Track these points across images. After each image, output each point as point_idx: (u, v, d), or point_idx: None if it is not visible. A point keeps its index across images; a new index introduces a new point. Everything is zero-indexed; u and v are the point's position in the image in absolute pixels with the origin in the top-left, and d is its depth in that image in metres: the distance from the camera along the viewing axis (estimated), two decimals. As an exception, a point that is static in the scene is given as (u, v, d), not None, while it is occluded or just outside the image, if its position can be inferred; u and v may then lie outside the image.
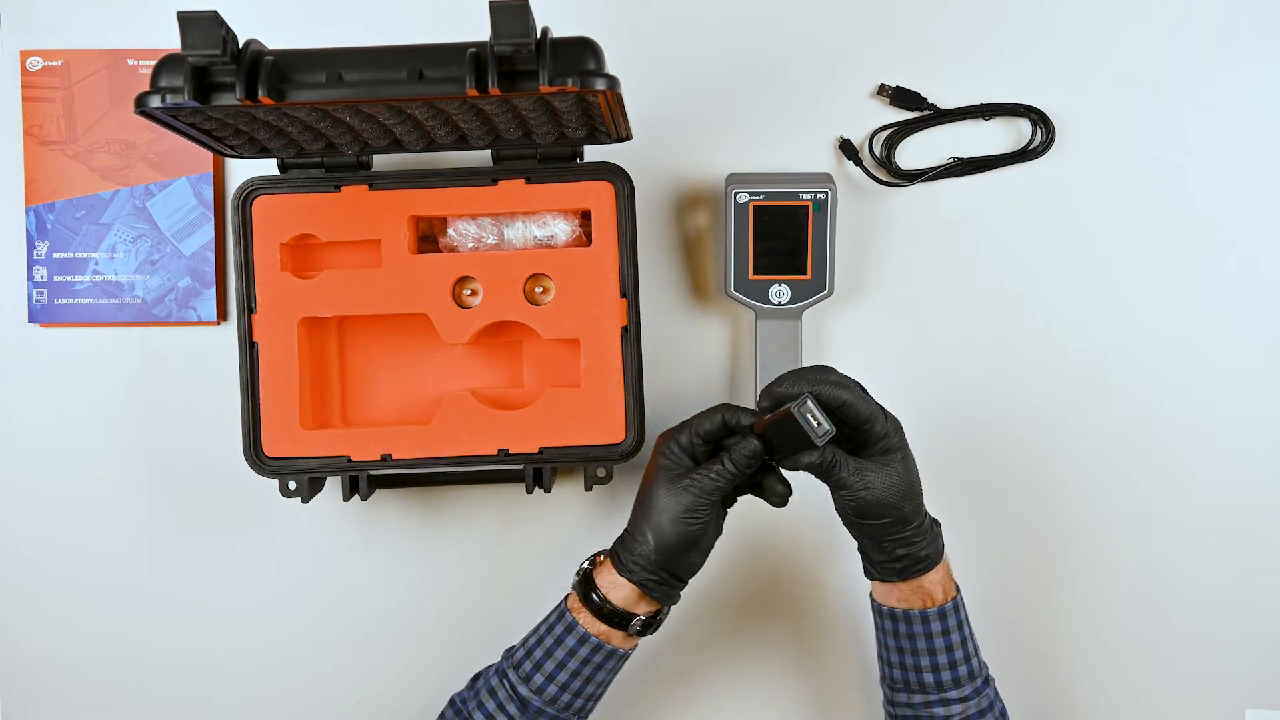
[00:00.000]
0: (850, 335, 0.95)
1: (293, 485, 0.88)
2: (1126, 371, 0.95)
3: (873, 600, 0.83)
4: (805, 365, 0.81)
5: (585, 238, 0.89)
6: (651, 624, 0.79)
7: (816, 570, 0.95)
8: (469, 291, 0.89)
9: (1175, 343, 0.94)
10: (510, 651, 0.82)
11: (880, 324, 0.95)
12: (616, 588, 0.77)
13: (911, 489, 0.76)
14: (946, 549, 0.80)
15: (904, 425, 0.78)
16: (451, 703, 0.83)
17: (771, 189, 0.89)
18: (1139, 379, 0.95)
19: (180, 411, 0.95)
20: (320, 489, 0.91)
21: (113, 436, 0.95)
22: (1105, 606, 0.95)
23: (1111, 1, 0.94)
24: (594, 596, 0.78)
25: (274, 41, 0.71)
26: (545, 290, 0.89)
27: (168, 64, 0.69)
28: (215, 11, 0.65)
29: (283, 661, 0.96)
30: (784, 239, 0.89)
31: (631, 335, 0.88)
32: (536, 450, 0.88)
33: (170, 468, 0.95)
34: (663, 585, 0.78)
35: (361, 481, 0.89)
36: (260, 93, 0.67)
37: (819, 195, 0.88)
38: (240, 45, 0.68)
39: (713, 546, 0.79)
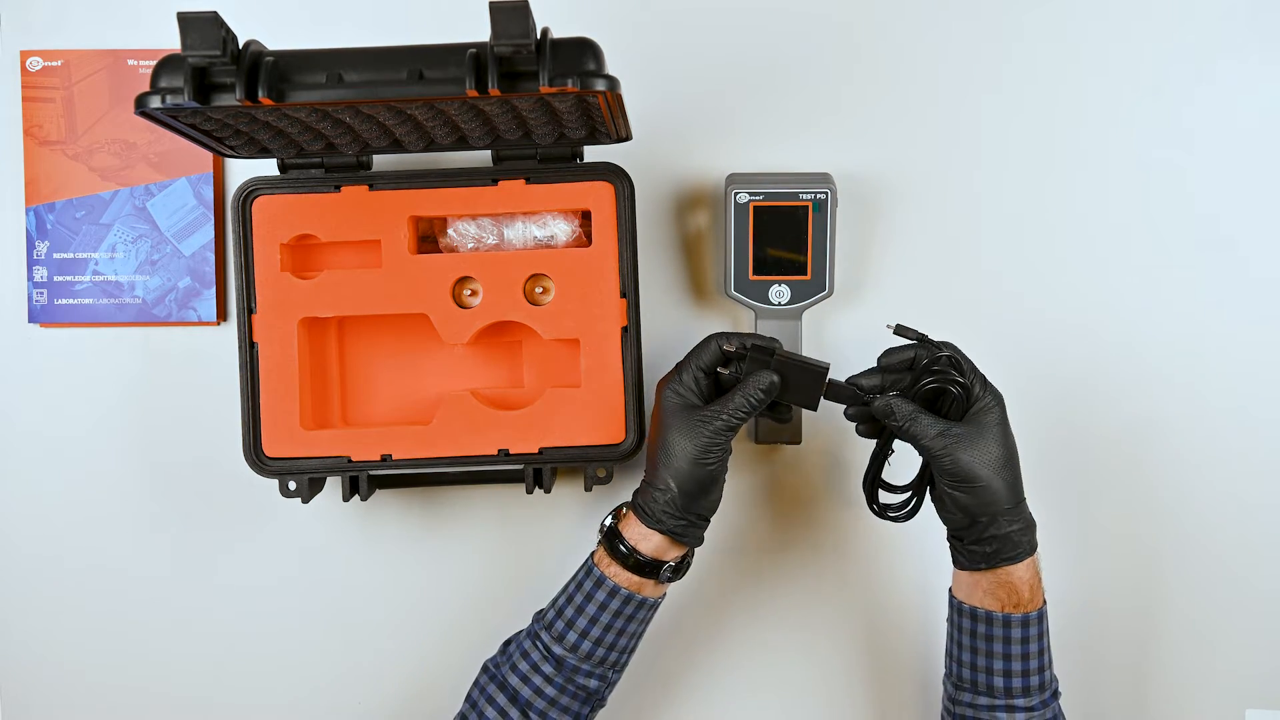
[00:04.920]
0: (850, 335, 0.95)
1: (293, 485, 0.88)
2: (1127, 371, 0.95)
3: (952, 598, 0.82)
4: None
5: (585, 238, 0.89)
6: (681, 568, 0.80)
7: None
8: (469, 291, 0.89)
9: (1175, 343, 0.95)
10: (540, 614, 0.82)
11: (880, 324, 0.95)
12: (645, 539, 0.78)
13: (1010, 460, 0.76)
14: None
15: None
16: (485, 668, 0.82)
17: (771, 189, 0.89)
18: (1139, 379, 0.95)
19: (180, 411, 0.95)
20: (320, 489, 0.91)
21: (113, 437, 0.95)
22: (1105, 606, 0.95)
23: (1113, 1, 0.94)
24: (622, 549, 0.78)
25: (274, 42, 0.71)
26: (545, 290, 0.89)
27: (168, 64, 0.69)
28: (215, 12, 0.65)
29: (283, 661, 0.96)
30: (784, 239, 0.89)
31: (631, 335, 0.88)
32: (536, 450, 0.88)
33: (170, 468, 0.95)
34: (690, 528, 0.78)
35: (361, 481, 0.89)
36: (260, 93, 0.67)
37: (819, 195, 0.88)
38: (240, 46, 0.68)
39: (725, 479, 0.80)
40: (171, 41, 0.67)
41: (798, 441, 0.92)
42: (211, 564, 0.96)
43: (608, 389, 0.88)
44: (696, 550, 0.81)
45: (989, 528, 0.76)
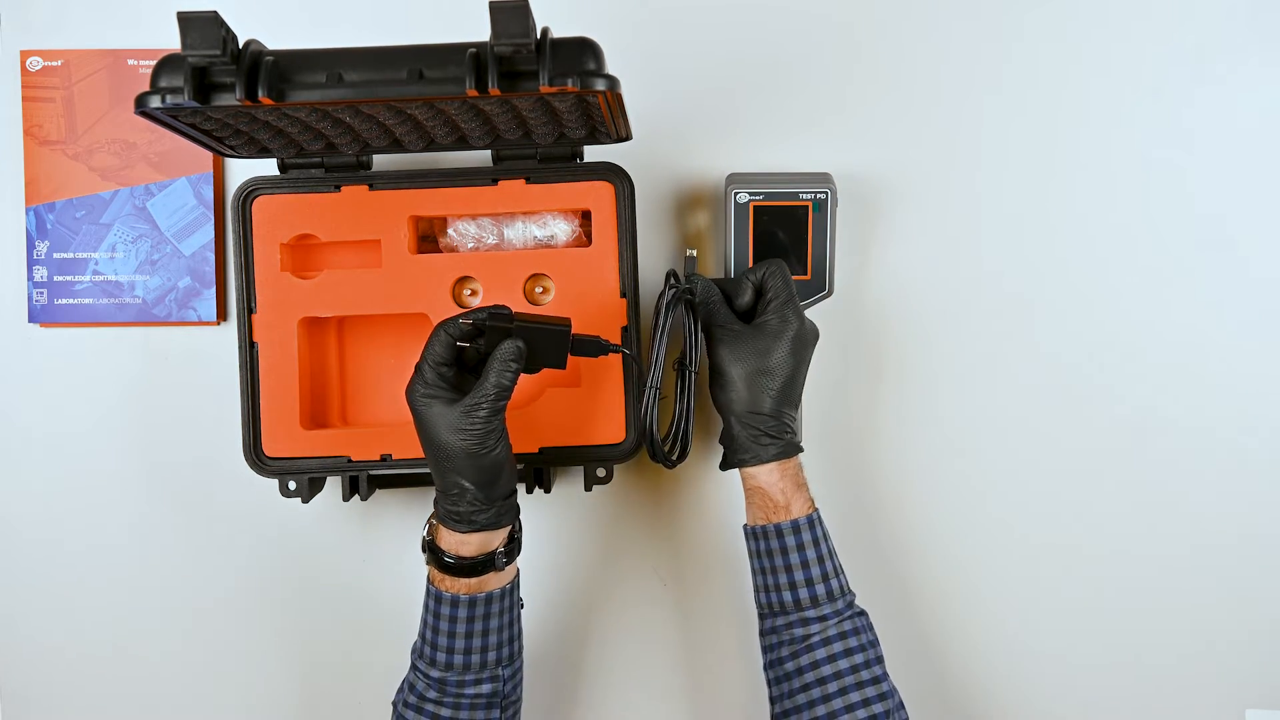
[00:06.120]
0: (850, 335, 0.95)
1: (293, 485, 0.88)
2: (1127, 371, 0.95)
3: (745, 529, 0.83)
4: None
5: (585, 238, 0.89)
6: (514, 547, 0.79)
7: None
8: (469, 291, 0.89)
9: (1175, 343, 0.94)
10: (413, 646, 0.82)
11: (880, 324, 0.95)
12: (464, 543, 0.77)
13: (765, 368, 0.81)
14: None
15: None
16: (393, 706, 0.82)
17: (771, 189, 0.89)
18: (1139, 379, 0.95)
19: (180, 411, 0.95)
20: (320, 489, 0.91)
21: (112, 436, 0.95)
22: (1105, 606, 0.95)
23: (1113, 2, 0.94)
24: (447, 560, 0.77)
25: (274, 42, 0.71)
26: (545, 290, 0.89)
27: (168, 64, 0.69)
28: (215, 12, 0.65)
29: (283, 661, 0.96)
30: (784, 239, 0.89)
31: (631, 335, 0.88)
32: (536, 450, 0.88)
33: (170, 468, 0.95)
34: (502, 513, 0.77)
35: (361, 481, 0.89)
36: (260, 93, 0.67)
37: (819, 195, 0.88)
38: (240, 45, 0.68)
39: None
40: (171, 41, 0.67)
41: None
42: (211, 564, 0.96)
43: (607, 389, 0.88)
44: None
45: (734, 426, 0.81)
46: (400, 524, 0.96)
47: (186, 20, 0.65)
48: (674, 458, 0.85)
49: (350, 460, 0.88)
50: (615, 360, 0.88)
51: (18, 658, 0.96)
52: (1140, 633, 0.95)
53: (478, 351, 0.77)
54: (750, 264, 0.89)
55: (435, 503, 0.78)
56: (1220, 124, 0.94)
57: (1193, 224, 0.94)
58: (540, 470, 0.89)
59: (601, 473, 0.89)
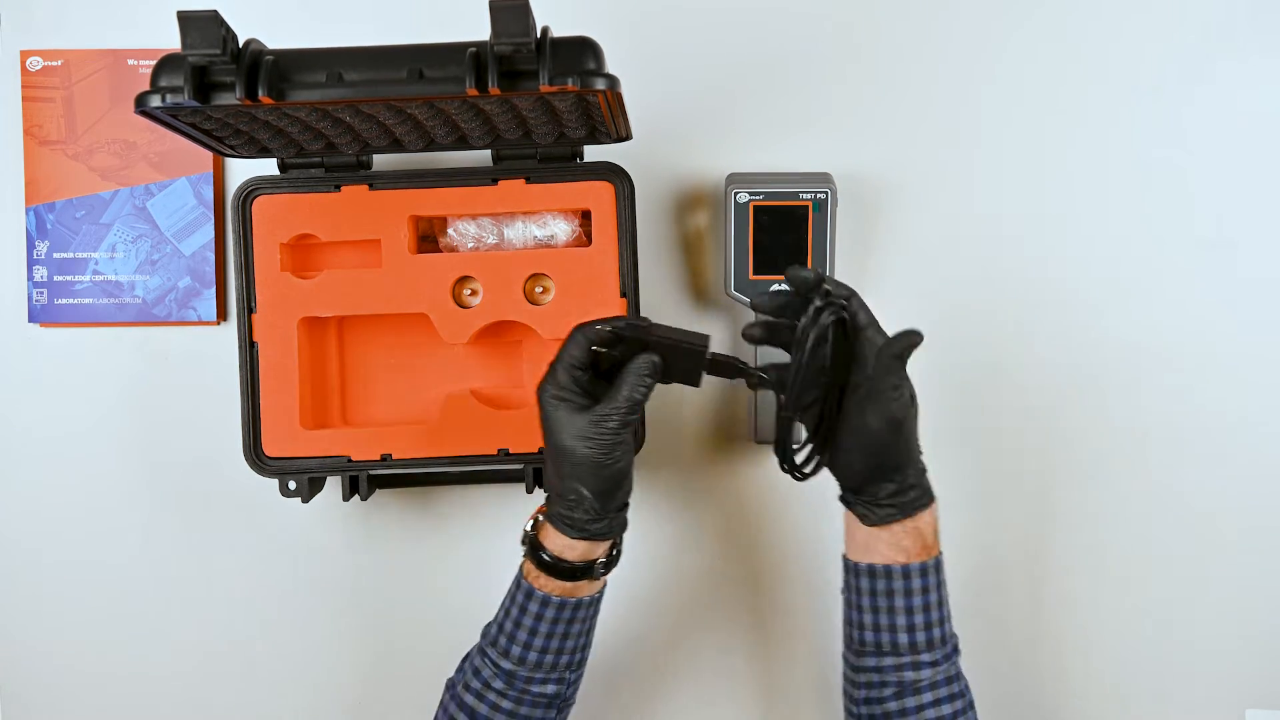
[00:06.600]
0: (850, 335, 0.95)
1: (293, 485, 0.88)
2: (1127, 372, 0.95)
3: (847, 561, 0.80)
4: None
5: (585, 238, 0.89)
6: (613, 559, 0.79)
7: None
8: (469, 291, 0.89)
9: (1175, 343, 0.94)
10: (486, 628, 0.81)
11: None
12: (570, 548, 0.76)
13: (911, 410, 0.76)
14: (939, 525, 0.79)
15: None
16: (447, 685, 0.82)
17: (771, 189, 0.89)
18: (1139, 379, 0.95)
19: (180, 411, 0.95)
20: (320, 489, 0.91)
21: (112, 436, 0.95)
22: (1105, 606, 0.95)
23: (1112, 1, 0.94)
24: (547, 560, 0.76)
25: (274, 41, 0.71)
26: (545, 290, 0.89)
27: (168, 64, 0.69)
28: (215, 11, 0.65)
29: (283, 661, 0.96)
30: (784, 239, 0.89)
31: (631, 335, 0.88)
32: (536, 450, 0.88)
33: (170, 468, 0.95)
34: (612, 524, 0.76)
35: (361, 481, 0.89)
36: (260, 92, 0.67)
37: (819, 195, 0.88)
38: (240, 45, 0.68)
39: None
40: (171, 41, 0.67)
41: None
42: (211, 564, 0.96)
43: (608, 389, 0.88)
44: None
45: (896, 478, 0.76)
46: (400, 524, 0.96)
47: (186, 20, 0.65)
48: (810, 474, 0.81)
49: (350, 460, 0.88)
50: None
51: (18, 658, 0.96)
52: (1140, 632, 0.95)
53: (611, 359, 0.76)
54: (750, 264, 0.89)
55: (548, 503, 0.77)
56: (1219, 124, 0.94)
57: (1192, 224, 0.94)
58: (540, 470, 0.89)
59: (601, 472, 0.89)
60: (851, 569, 0.80)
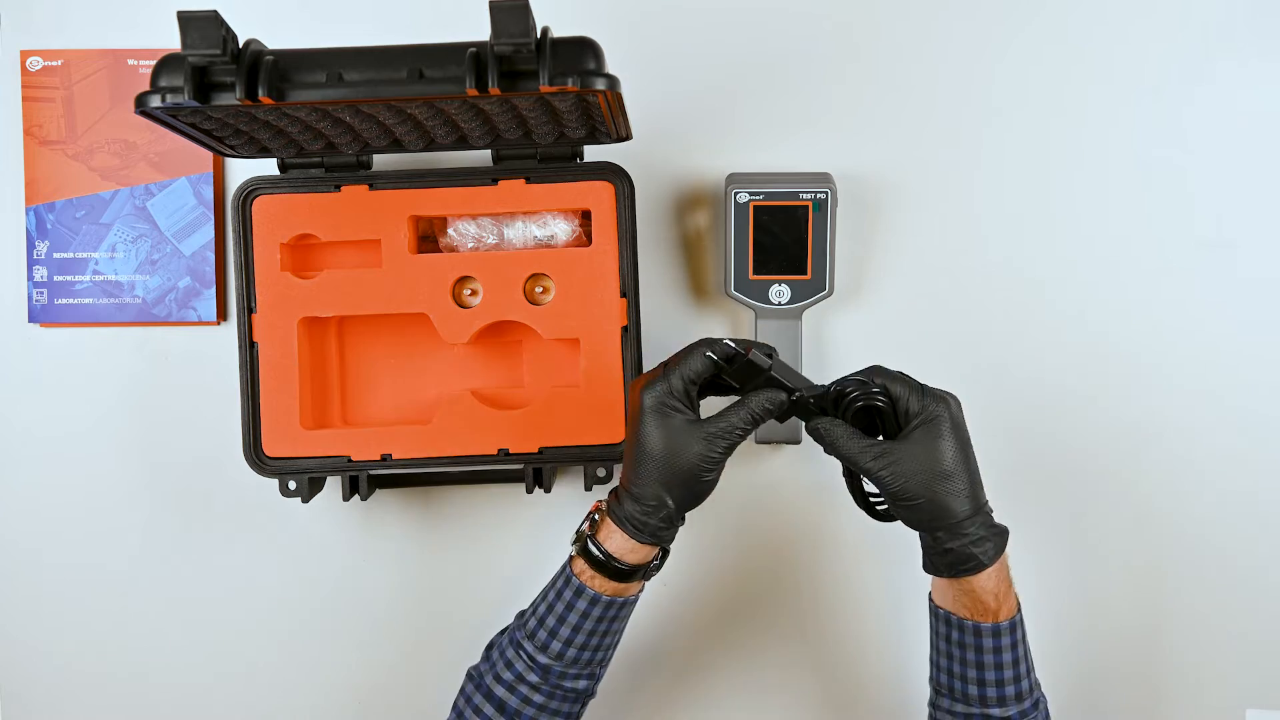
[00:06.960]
0: (850, 335, 0.95)
1: (293, 485, 0.88)
2: (1127, 372, 0.95)
3: (930, 602, 0.79)
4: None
5: (585, 238, 0.89)
6: (662, 562, 0.78)
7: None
8: (469, 291, 0.89)
9: (1175, 343, 0.94)
10: (522, 618, 0.80)
11: (880, 324, 0.95)
12: (633, 551, 0.75)
13: (957, 473, 0.72)
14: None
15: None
16: (469, 676, 0.81)
17: (771, 189, 0.89)
18: (1139, 379, 0.95)
19: (180, 411, 0.95)
20: (320, 489, 0.91)
21: (112, 436, 0.95)
22: (1105, 606, 0.95)
23: (1113, 2, 0.94)
24: (601, 558, 0.75)
25: (274, 41, 0.71)
26: (545, 290, 0.89)
27: (168, 64, 0.69)
28: (215, 11, 0.65)
29: (283, 661, 0.96)
30: (784, 239, 0.89)
31: (631, 335, 0.88)
32: (536, 450, 0.88)
33: (170, 468, 0.95)
34: (675, 532, 0.77)
35: (361, 481, 0.89)
36: (260, 92, 0.67)
37: (819, 195, 0.88)
38: (240, 45, 0.68)
39: None
40: (171, 41, 0.67)
41: (797, 441, 0.92)
42: (211, 564, 0.96)
43: (607, 389, 0.88)
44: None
45: (944, 540, 0.73)
46: (400, 524, 0.96)
47: (186, 20, 0.65)
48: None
49: (350, 460, 0.88)
50: (615, 360, 0.87)
51: (18, 658, 0.96)
52: (1140, 633, 0.95)
53: (728, 378, 0.76)
54: (750, 264, 0.89)
55: (617, 503, 0.76)
56: (1219, 124, 0.94)
57: (1192, 224, 0.94)
58: (540, 470, 0.89)
59: (601, 472, 0.90)
60: (931, 610, 0.79)
